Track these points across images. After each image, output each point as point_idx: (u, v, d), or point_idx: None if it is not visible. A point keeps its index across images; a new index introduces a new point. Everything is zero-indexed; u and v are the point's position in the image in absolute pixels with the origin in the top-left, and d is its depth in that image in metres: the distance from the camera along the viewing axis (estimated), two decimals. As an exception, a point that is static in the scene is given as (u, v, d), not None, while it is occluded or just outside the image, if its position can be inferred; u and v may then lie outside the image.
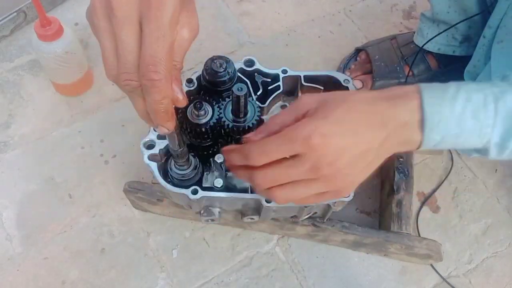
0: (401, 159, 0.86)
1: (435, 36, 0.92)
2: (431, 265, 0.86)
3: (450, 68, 0.98)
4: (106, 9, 0.38)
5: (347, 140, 0.48)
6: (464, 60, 0.91)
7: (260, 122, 0.71)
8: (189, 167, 0.64)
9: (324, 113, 0.49)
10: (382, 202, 0.89)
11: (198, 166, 0.65)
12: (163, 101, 0.41)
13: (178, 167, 0.63)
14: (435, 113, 0.49)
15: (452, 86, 0.51)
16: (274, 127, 0.53)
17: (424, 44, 0.94)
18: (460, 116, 0.49)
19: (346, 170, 0.49)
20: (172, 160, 0.64)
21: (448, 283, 0.85)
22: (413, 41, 0.99)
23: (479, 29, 0.88)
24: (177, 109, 0.50)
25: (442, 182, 0.94)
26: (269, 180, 0.51)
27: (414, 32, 1.01)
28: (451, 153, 0.97)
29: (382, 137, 0.49)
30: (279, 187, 0.51)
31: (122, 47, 0.38)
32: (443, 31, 0.90)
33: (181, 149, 0.58)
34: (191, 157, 0.64)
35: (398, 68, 0.99)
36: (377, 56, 1.01)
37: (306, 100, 0.52)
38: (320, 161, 0.48)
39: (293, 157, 0.49)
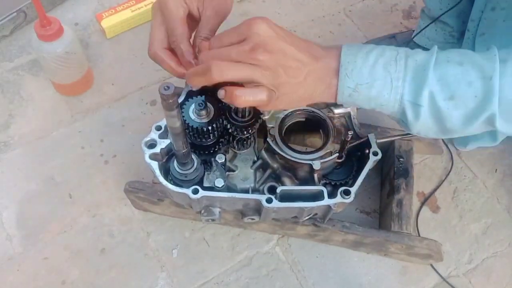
0: (401, 159, 0.86)
1: (424, 28, 0.92)
2: (431, 265, 0.86)
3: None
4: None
5: (285, 43, 0.53)
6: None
7: (260, 121, 0.71)
8: (191, 167, 0.64)
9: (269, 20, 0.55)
10: (382, 202, 0.90)
11: (200, 166, 0.65)
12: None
13: (181, 167, 0.63)
14: (350, 62, 0.54)
15: (370, 44, 0.56)
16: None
17: (415, 35, 0.94)
18: (372, 67, 0.54)
19: (280, 68, 0.53)
20: (175, 160, 0.64)
21: (448, 283, 0.85)
22: (412, 39, 1.00)
23: None
24: (179, 108, 0.51)
25: (442, 182, 0.94)
26: (212, 54, 0.54)
27: (413, 31, 1.01)
28: (451, 153, 0.97)
29: (312, 64, 0.54)
30: (219, 62, 0.53)
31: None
32: (430, 23, 0.90)
33: (185, 150, 0.58)
34: (194, 157, 0.64)
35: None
36: (376, 56, 1.01)
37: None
38: (259, 44, 0.52)
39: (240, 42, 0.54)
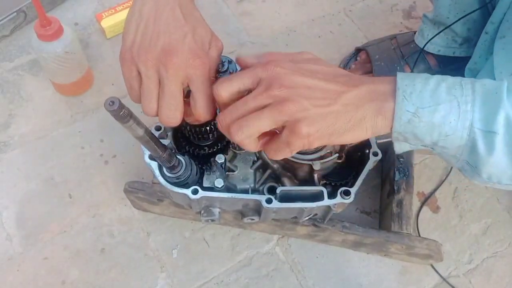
0: (401, 159, 0.86)
1: (433, 37, 0.91)
2: (431, 265, 0.86)
3: (451, 68, 0.98)
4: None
5: (304, 76, 0.49)
6: (464, 60, 0.90)
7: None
8: (180, 168, 0.62)
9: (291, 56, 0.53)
10: (383, 202, 0.89)
11: (188, 167, 0.63)
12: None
13: (169, 170, 0.62)
14: (408, 85, 0.48)
15: (427, 74, 0.50)
16: None
17: (424, 45, 0.94)
18: (434, 91, 0.47)
19: (303, 100, 0.47)
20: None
21: (448, 283, 0.85)
22: (413, 40, 1.00)
23: (478, 30, 0.87)
24: (135, 116, 0.49)
25: (442, 182, 0.94)
26: (230, 113, 0.50)
27: (414, 32, 1.01)
28: (451, 153, 0.97)
29: (350, 91, 0.48)
30: (237, 123, 0.49)
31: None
32: (440, 31, 0.90)
33: (164, 154, 0.57)
34: (180, 158, 0.62)
35: (398, 67, 0.99)
36: (377, 56, 1.01)
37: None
38: (274, 81, 0.48)
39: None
